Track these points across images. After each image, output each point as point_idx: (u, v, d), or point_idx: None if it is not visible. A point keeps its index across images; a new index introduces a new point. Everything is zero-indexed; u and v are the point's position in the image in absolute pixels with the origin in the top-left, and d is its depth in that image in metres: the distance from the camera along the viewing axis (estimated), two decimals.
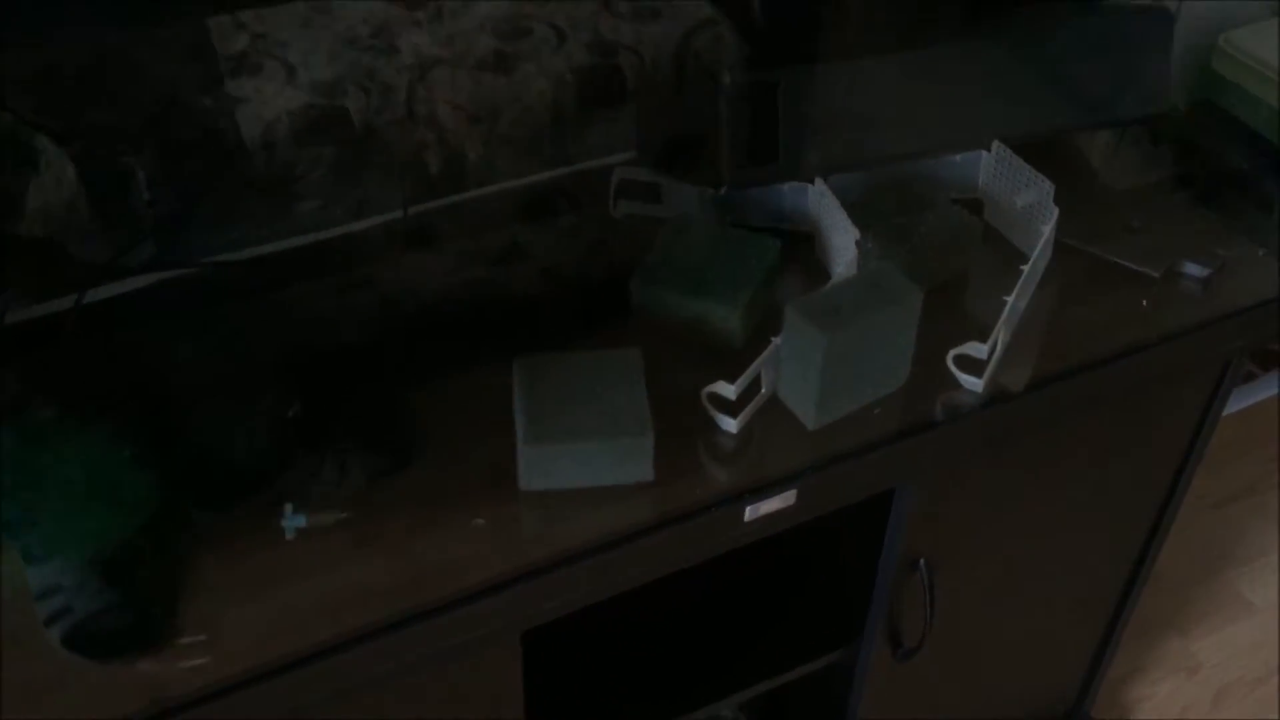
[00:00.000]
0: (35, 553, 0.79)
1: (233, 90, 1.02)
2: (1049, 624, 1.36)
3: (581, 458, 0.87)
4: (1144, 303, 1.04)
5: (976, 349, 0.93)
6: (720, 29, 1.21)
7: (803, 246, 1.08)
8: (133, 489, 0.82)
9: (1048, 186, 1.03)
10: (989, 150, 1.09)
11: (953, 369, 0.96)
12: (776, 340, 0.92)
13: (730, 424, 0.92)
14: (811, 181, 1.05)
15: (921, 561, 1.09)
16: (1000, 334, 0.96)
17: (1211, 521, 1.98)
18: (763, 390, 0.94)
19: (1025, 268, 0.99)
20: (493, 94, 1.13)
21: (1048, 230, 1.01)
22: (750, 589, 1.23)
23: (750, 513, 0.88)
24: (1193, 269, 1.06)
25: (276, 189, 1.08)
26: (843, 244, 1.01)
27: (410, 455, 0.89)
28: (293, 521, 0.84)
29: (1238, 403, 2.17)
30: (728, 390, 0.90)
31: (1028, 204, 1.05)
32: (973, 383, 0.95)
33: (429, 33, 1.10)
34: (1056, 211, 1.02)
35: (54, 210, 0.96)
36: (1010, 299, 0.96)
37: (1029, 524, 1.18)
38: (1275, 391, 2.22)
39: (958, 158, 1.10)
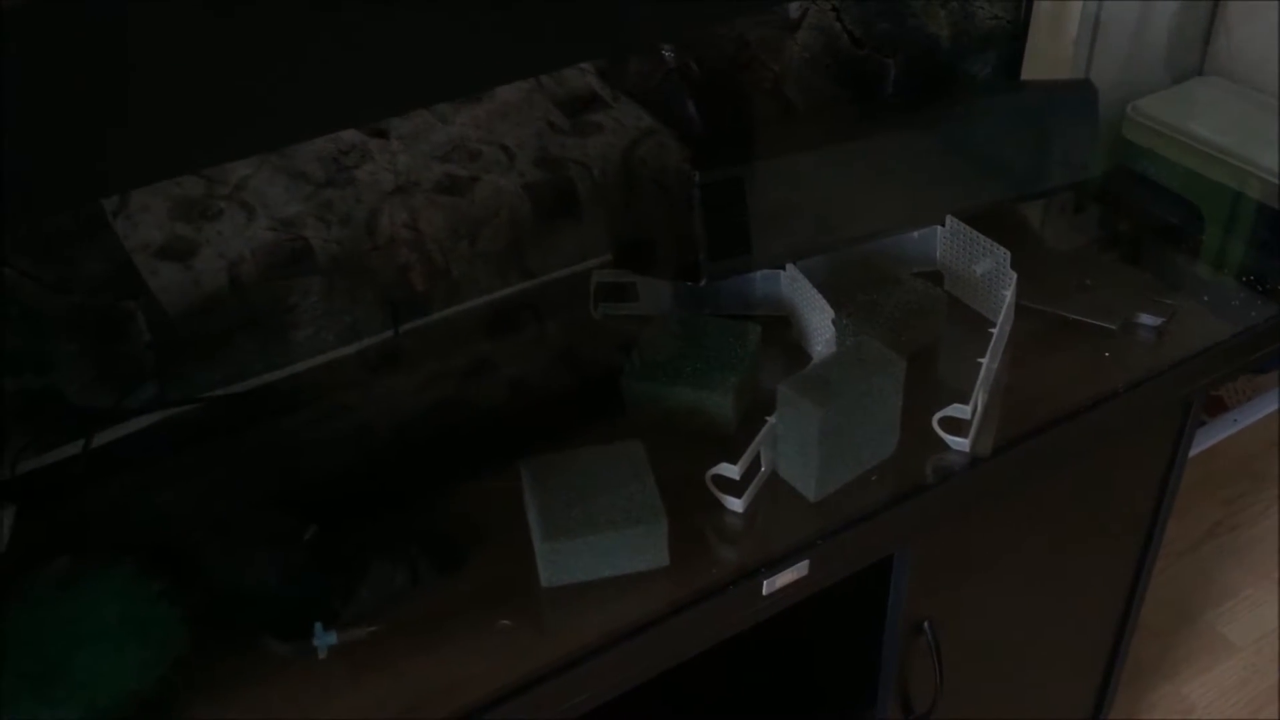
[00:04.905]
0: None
1: (190, 233, 1.05)
2: (1049, 677, 1.38)
3: (599, 549, 0.89)
4: (1106, 354, 1.09)
5: (960, 410, 0.98)
6: (661, 137, 1.28)
7: (777, 330, 1.13)
8: (163, 625, 0.82)
9: (1003, 254, 1.09)
10: (944, 225, 1.15)
11: (939, 431, 1.00)
12: (771, 419, 0.96)
13: (736, 504, 0.95)
14: (783, 268, 1.10)
15: (926, 624, 1.12)
16: (979, 394, 1.00)
17: (1181, 567, 2.03)
18: (762, 469, 0.97)
19: (994, 330, 1.05)
20: (454, 217, 1.18)
21: (1009, 294, 1.07)
22: (757, 667, 1.24)
23: (768, 586, 0.91)
24: (1147, 319, 1.12)
25: (264, 322, 1.11)
26: (820, 323, 1.06)
27: (464, 555, 0.91)
28: (324, 640, 0.85)
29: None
30: (731, 471, 0.94)
31: (986, 271, 1.12)
32: (959, 443, 1.00)
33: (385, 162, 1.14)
34: (1015, 276, 1.08)
35: (53, 359, 0.98)
36: (985, 360, 1.01)
37: (1020, 580, 1.22)
38: (1222, 436, 2.30)
39: (915, 234, 1.16)
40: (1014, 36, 1.41)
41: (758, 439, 0.95)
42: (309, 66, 0.64)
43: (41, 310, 0.95)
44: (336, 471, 1.02)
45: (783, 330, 1.13)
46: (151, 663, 0.81)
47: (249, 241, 1.06)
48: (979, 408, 1.01)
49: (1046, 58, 1.42)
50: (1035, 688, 1.38)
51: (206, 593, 0.87)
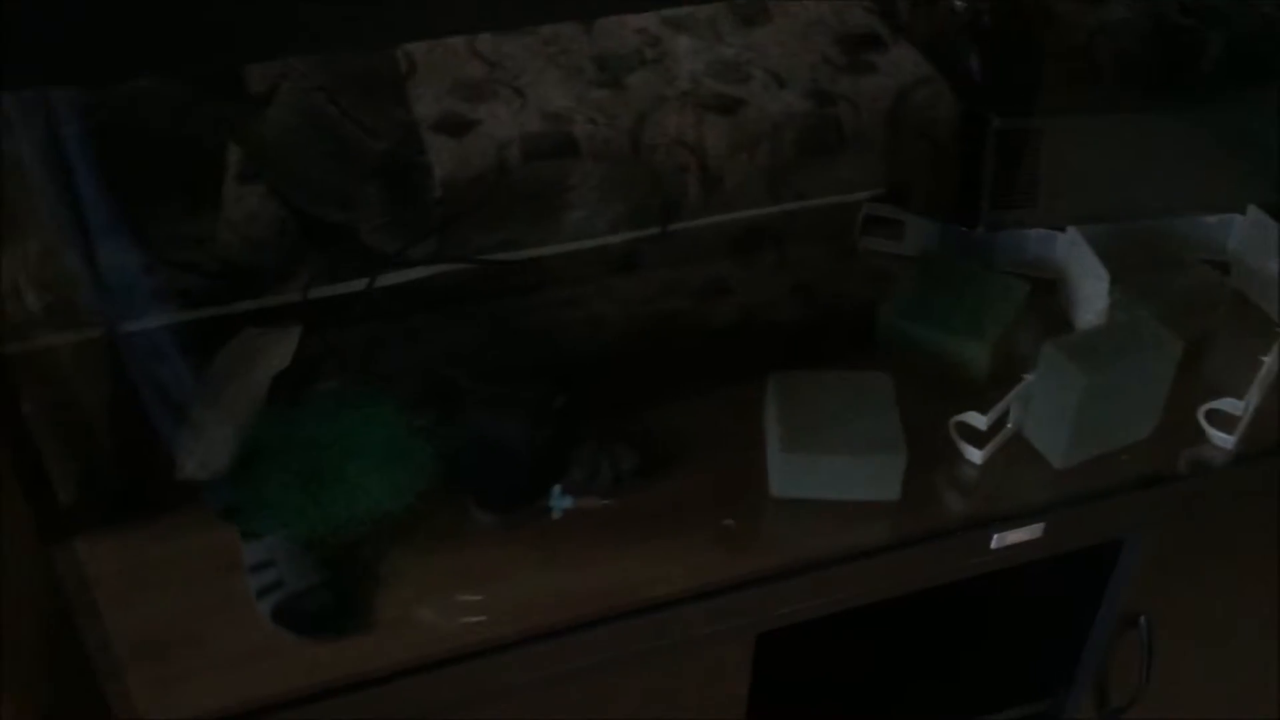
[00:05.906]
0: (273, 524, 0.84)
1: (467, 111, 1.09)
2: (1258, 693, 1.32)
3: (834, 470, 0.90)
4: None
5: (1233, 404, 0.94)
6: (937, 85, 1.25)
7: (1041, 293, 1.09)
8: (420, 457, 0.88)
9: None
10: (1244, 214, 1.09)
11: (1203, 423, 0.96)
12: (1028, 377, 0.94)
13: (976, 455, 0.94)
14: (1062, 229, 1.07)
15: (1143, 619, 1.08)
16: (1256, 392, 0.95)
17: None
18: (1009, 425, 0.95)
19: None
20: (720, 133, 1.19)
21: None
22: (961, 628, 1.23)
23: (997, 540, 0.90)
24: None
25: (537, 200, 1.15)
26: (1093, 292, 1.02)
27: (665, 458, 0.93)
28: (560, 503, 0.89)
29: None
30: (979, 421, 0.92)
31: None
32: (1223, 439, 0.95)
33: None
34: None
35: (354, 197, 1.05)
36: (1268, 359, 0.96)
37: (1249, 589, 1.16)
38: None
39: (1211, 219, 1.10)
40: None
41: (1011, 395, 0.94)
42: None
43: (351, 149, 1.02)
44: (583, 352, 1.05)
45: (1044, 295, 1.10)
46: (405, 489, 0.87)
47: (520, 127, 1.10)
48: (1252, 406, 0.96)
49: None
50: (1241, 701, 1.31)
51: (454, 440, 0.92)
